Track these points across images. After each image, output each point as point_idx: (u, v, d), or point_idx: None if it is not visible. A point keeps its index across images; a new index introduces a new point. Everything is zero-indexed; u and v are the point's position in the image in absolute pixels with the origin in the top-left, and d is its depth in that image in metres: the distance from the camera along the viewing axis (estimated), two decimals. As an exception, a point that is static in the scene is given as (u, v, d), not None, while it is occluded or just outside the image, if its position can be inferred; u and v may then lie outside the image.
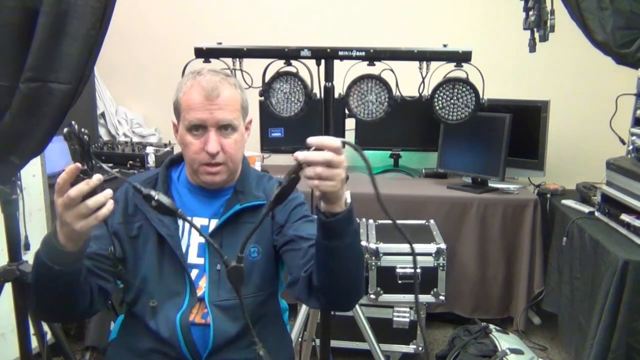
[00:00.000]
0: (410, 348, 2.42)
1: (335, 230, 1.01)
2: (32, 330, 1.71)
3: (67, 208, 0.91)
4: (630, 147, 2.16)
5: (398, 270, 2.33)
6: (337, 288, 1.11)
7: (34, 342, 1.74)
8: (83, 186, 0.90)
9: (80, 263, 1.05)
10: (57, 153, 2.79)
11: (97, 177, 0.92)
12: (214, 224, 1.28)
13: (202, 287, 1.25)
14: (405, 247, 2.36)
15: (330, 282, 1.09)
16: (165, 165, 1.35)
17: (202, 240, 1.27)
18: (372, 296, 2.35)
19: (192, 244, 1.27)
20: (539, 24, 1.88)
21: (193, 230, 1.27)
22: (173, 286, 1.24)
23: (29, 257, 1.88)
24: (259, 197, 1.30)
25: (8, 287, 1.65)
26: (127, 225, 1.27)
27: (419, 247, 2.35)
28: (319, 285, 1.11)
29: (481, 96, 1.68)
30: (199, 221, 1.29)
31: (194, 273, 1.25)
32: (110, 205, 0.94)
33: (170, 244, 1.23)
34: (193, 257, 1.27)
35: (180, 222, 1.28)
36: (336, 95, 1.69)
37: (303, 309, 1.93)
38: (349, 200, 1.01)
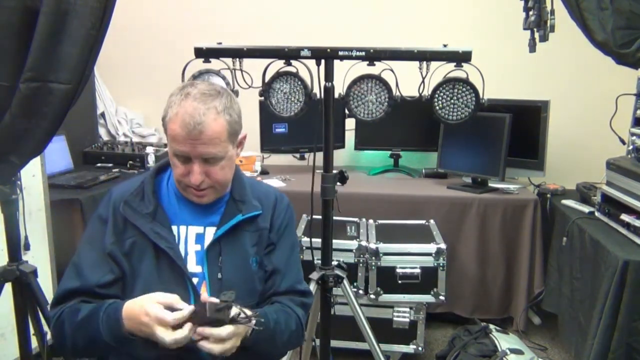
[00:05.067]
0: (410, 348, 2.42)
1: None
2: (32, 330, 1.72)
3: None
4: (630, 147, 2.16)
5: (398, 270, 2.33)
6: None
7: (34, 342, 1.75)
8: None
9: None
10: (57, 153, 2.81)
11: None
12: (210, 232, 1.28)
13: (204, 294, 1.25)
14: (405, 247, 2.36)
15: None
16: (152, 175, 1.31)
17: (198, 248, 1.27)
18: (372, 296, 2.36)
19: (189, 252, 1.27)
20: (539, 24, 1.88)
21: (189, 238, 1.27)
22: (177, 294, 1.20)
23: (28, 257, 1.89)
24: (257, 207, 1.32)
25: (8, 287, 1.65)
26: (119, 243, 1.23)
27: (419, 247, 2.36)
28: None
29: (481, 96, 1.67)
30: (194, 230, 1.28)
31: (194, 281, 1.25)
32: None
33: (172, 256, 1.22)
34: (192, 266, 1.27)
35: (175, 230, 1.27)
36: (336, 95, 1.69)
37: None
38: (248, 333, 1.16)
